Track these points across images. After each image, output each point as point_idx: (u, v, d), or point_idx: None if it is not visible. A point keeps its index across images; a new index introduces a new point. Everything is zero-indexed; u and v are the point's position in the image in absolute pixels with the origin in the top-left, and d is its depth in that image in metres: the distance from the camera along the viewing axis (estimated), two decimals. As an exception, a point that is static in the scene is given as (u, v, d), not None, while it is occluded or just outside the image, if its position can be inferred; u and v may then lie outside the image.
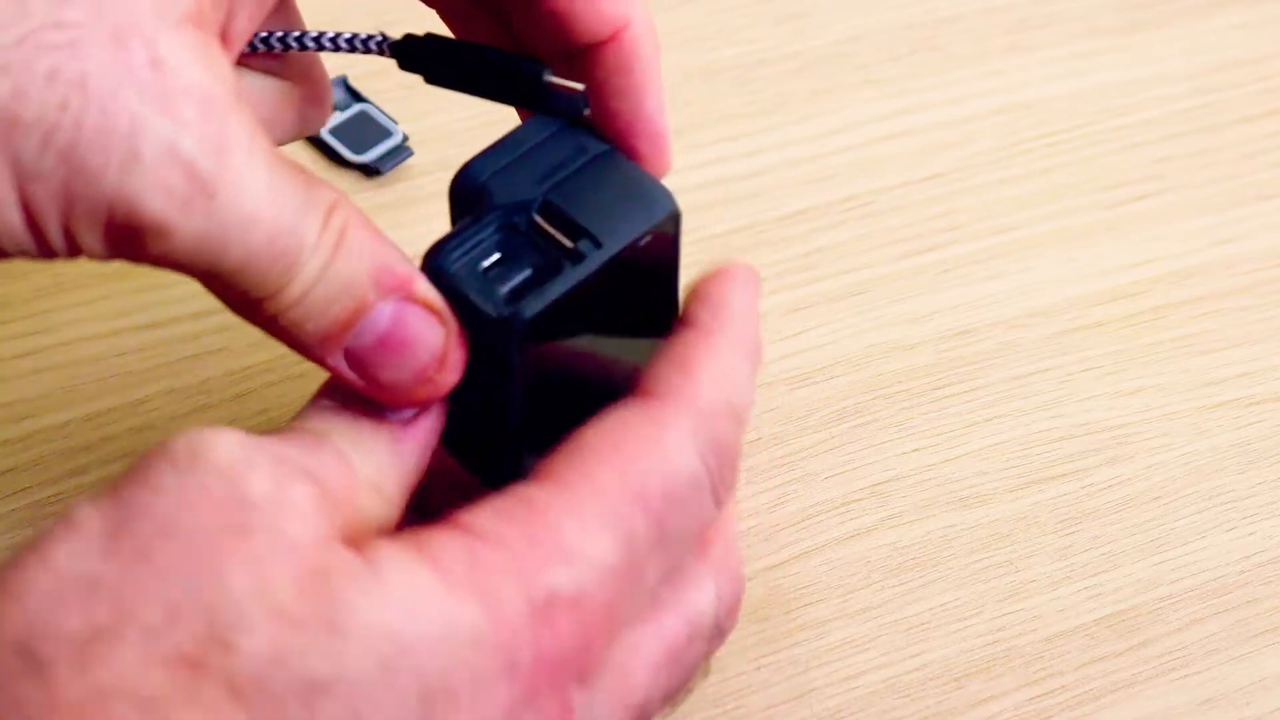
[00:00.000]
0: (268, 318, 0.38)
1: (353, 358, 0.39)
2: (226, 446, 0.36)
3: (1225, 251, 0.57)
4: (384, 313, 0.39)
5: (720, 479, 0.39)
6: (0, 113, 0.34)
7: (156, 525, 0.34)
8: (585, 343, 0.41)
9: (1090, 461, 0.52)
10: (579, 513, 0.37)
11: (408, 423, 0.40)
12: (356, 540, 0.36)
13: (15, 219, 0.35)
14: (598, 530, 0.37)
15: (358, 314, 0.38)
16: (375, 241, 0.39)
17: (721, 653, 0.47)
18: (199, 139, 0.35)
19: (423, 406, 0.40)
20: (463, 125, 0.59)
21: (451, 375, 0.40)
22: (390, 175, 0.57)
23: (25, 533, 0.49)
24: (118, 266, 0.54)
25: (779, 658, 0.47)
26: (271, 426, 0.51)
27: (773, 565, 0.49)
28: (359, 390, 0.39)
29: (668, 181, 0.58)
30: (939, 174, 0.59)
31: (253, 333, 0.53)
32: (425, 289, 0.39)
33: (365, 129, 0.58)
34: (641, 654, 0.39)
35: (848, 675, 0.47)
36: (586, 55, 0.42)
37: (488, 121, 0.59)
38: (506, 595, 0.35)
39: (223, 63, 0.37)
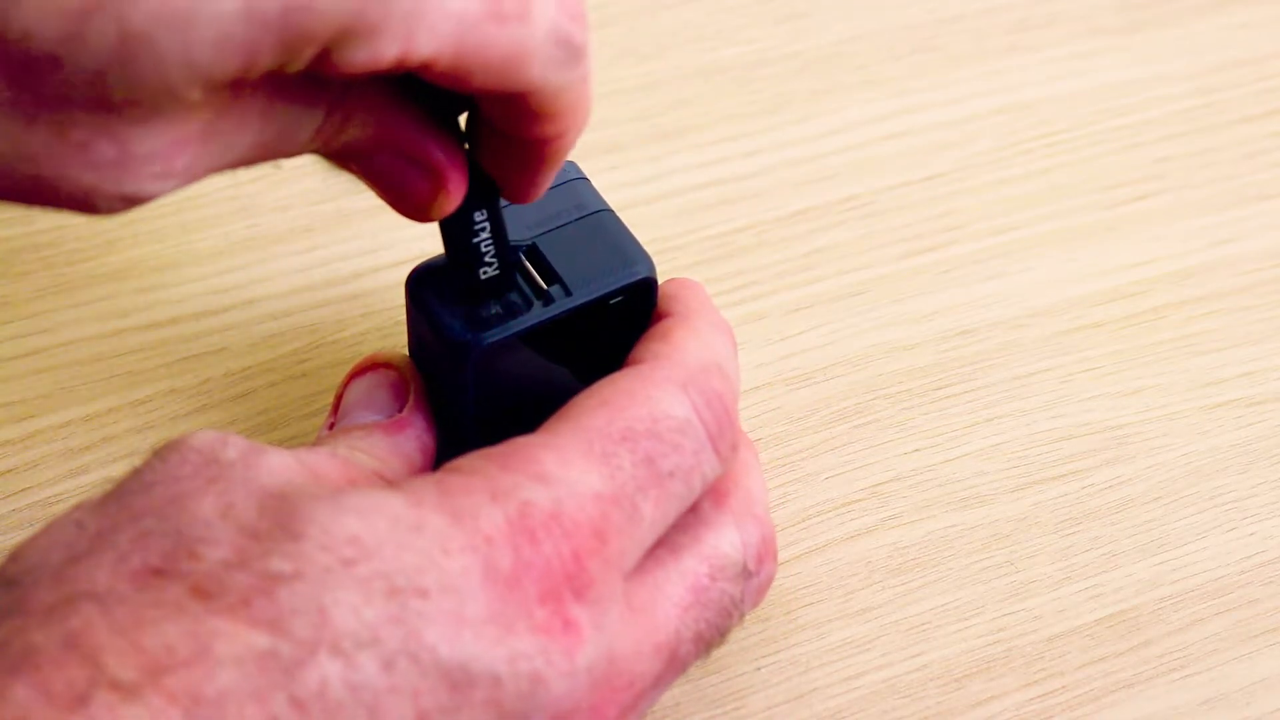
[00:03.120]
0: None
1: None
2: (205, 433, 0.38)
3: (1225, 251, 0.57)
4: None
5: (717, 430, 0.41)
6: None
7: (138, 487, 0.37)
8: (549, 374, 0.45)
9: (1091, 462, 0.52)
10: (558, 448, 0.39)
11: (398, 419, 0.43)
12: None
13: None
14: (577, 460, 0.38)
15: None
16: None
17: (721, 652, 0.47)
18: None
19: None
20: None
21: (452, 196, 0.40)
22: (390, 175, 0.57)
23: (26, 533, 0.48)
24: (118, 266, 0.54)
25: (779, 658, 0.47)
26: (272, 426, 0.51)
27: (773, 565, 0.49)
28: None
29: (669, 181, 0.58)
30: (939, 174, 0.59)
31: (253, 332, 0.53)
32: (433, 152, 0.39)
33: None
34: (665, 593, 0.40)
35: (848, 675, 0.47)
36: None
37: (488, 121, 0.59)
38: (477, 508, 0.37)
39: None
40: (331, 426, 0.44)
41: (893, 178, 0.58)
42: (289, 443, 0.51)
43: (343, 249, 0.56)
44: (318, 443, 0.42)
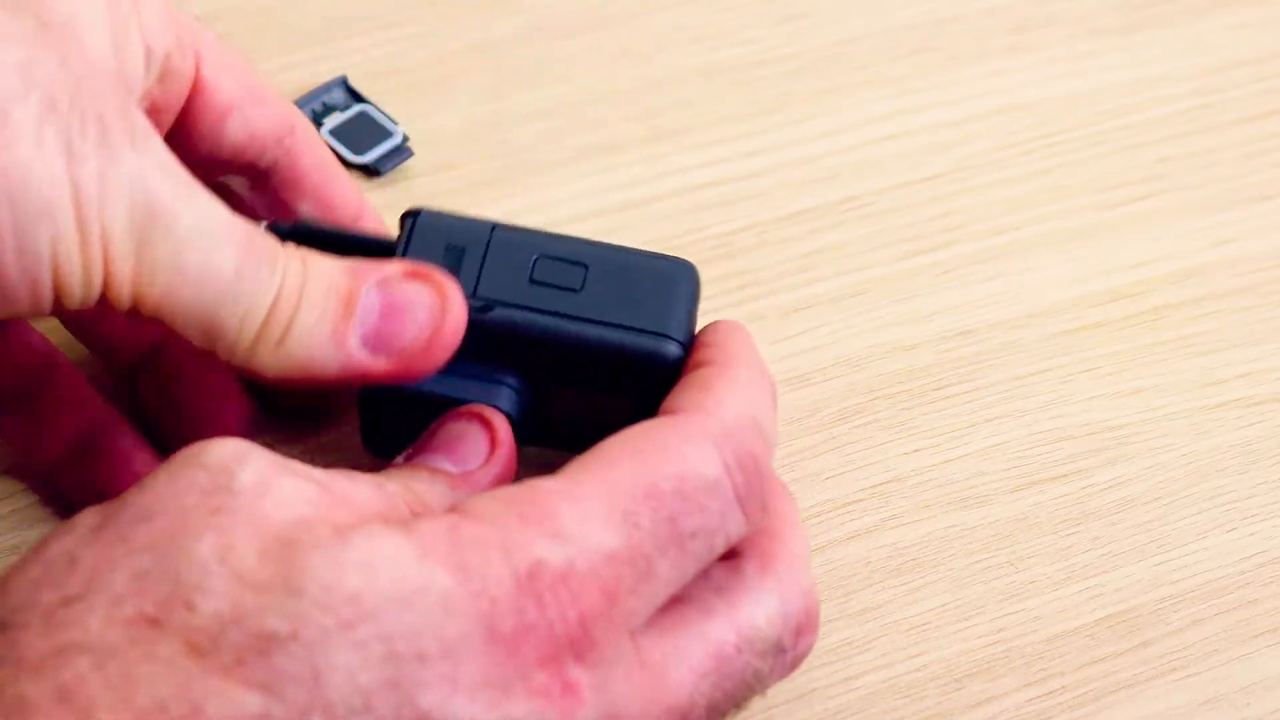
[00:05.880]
0: (277, 347, 0.40)
1: (369, 341, 0.41)
2: (224, 448, 0.37)
3: (1226, 251, 0.57)
4: (371, 294, 0.41)
5: (746, 490, 0.39)
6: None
7: (140, 513, 0.36)
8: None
9: (1091, 462, 0.52)
10: (579, 500, 0.38)
11: (467, 474, 0.42)
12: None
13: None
14: (597, 516, 0.37)
15: (351, 302, 0.41)
16: (336, 258, 0.42)
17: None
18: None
19: (446, 356, 0.42)
20: (463, 125, 0.59)
21: (459, 312, 0.41)
22: (390, 175, 0.57)
23: (26, 533, 0.48)
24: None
25: (779, 658, 0.47)
26: (271, 426, 0.51)
27: (773, 565, 0.49)
28: (387, 377, 0.41)
29: (669, 181, 0.58)
30: (939, 174, 0.59)
31: (253, 333, 0.53)
32: (399, 263, 0.42)
33: (365, 129, 0.58)
34: (683, 654, 0.39)
35: (848, 675, 0.47)
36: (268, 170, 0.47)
37: (489, 122, 0.59)
38: (485, 565, 0.36)
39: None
40: (408, 458, 0.43)
41: (893, 178, 0.58)
42: (290, 443, 0.51)
43: (343, 249, 0.56)
44: (383, 470, 0.41)
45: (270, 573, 0.35)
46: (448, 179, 0.57)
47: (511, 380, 0.44)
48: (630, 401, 0.44)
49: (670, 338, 0.44)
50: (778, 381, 0.53)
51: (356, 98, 0.59)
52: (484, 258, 0.44)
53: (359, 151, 0.57)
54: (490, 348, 0.44)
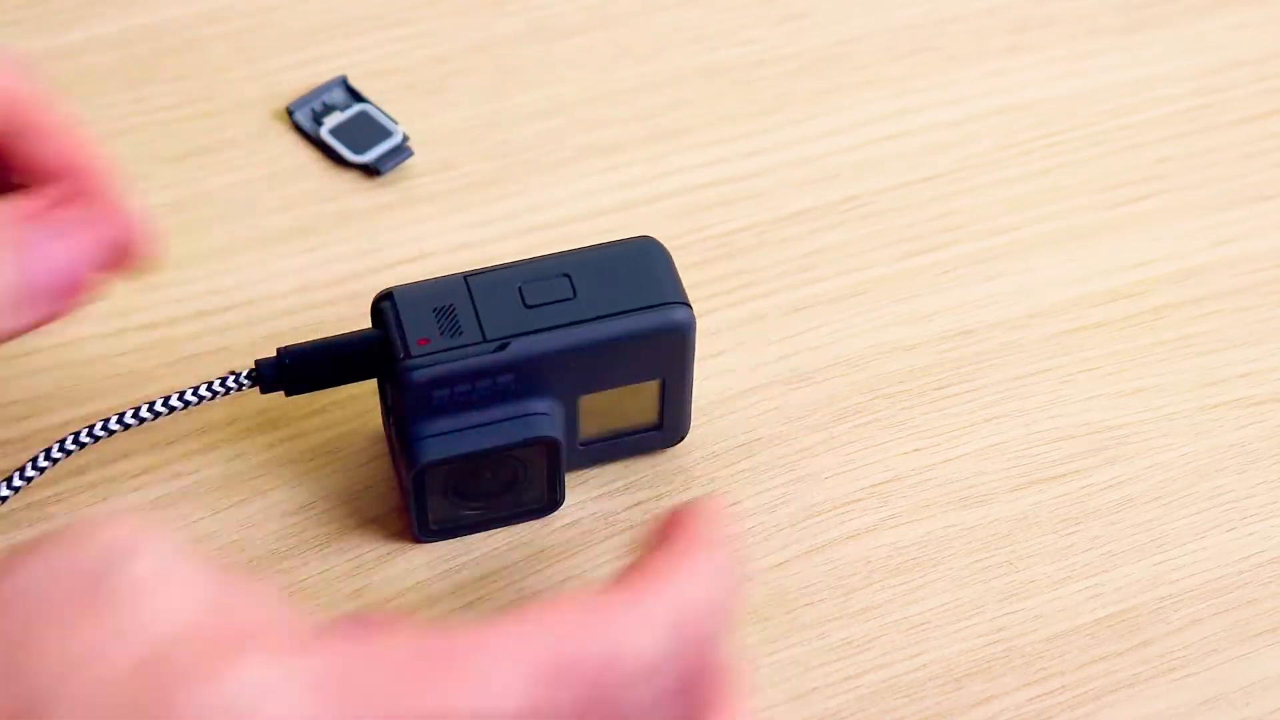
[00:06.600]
0: None
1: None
2: (121, 527, 0.34)
3: (1226, 251, 0.57)
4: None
5: (692, 677, 0.36)
6: None
7: (12, 593, 0.33)
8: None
9: (1090, 462, 0.52)
10: (490, 653, 0.34)
11: None
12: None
13: None
14: (503, 676, 0.34)
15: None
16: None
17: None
18: None
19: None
20: (463, 125, 0.59)
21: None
22: (390, 175, 0.57)
23: (25, 533, 0.49)
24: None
25: (779, 658, 0.47)
26: (272, 426, 0.51)
27: (773, 565, 0.49)
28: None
29: (669, 181, 0.58)
30: (939, 174, 0.59)
31: (253, 332, 0.53)
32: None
33: (365, 129, 0.58)
34: None
35: (848, 675, 0.47)
36: None
37: (489, 122, 0.59)
38: (361, 704, 0.33)
39: None
40: None
41: (893, 178, 0.58)
42: (290, 441, 0.51)
43: (343, 249, 0.56)
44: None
45: (130, 697, 0.32)
46: (448, 178, 0.58)
47: (543, 406, 0.46)
48: (660, 380, 0.48)
49: (677, 303, 0.47)
50: (778, 382, 0.53)
51: (356, 98, 0.59)
52: (474, 305, 0.46)
53: (359, 151, 0.57)
54: (518, 383, 0.45)
